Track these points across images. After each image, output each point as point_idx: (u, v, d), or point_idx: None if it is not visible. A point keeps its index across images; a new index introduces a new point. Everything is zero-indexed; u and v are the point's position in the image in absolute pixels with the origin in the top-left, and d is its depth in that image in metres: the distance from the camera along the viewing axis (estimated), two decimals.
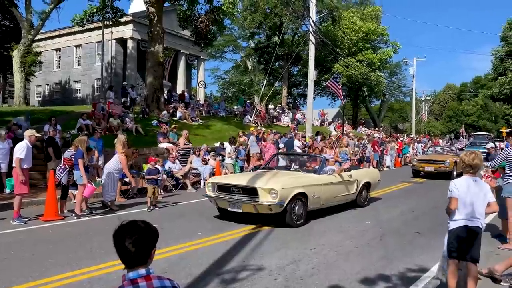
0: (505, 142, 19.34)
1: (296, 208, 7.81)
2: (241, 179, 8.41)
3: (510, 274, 4.79)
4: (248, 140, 15.94)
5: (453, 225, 4.30)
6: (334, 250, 6.30)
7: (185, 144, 14.82)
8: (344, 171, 9.59)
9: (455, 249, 4.27)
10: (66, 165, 8.59)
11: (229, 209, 7.93)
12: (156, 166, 9.83)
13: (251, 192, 7.74)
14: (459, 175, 14.73)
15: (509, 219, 6.48)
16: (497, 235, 7.29)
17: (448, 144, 37.53)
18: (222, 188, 8.25)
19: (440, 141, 37.76)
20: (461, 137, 40.56)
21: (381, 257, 5.99)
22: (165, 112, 16.74)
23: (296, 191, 7.75)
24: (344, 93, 29.75)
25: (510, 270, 4.81)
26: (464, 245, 4.22)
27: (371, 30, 38.75)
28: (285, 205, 7.50)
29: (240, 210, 7.76)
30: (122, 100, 20.96)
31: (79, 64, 31.37)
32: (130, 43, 28.56)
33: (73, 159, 8.50)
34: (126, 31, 28.30)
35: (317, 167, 9.22)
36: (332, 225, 8.13)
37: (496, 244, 6.65)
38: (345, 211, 9.53)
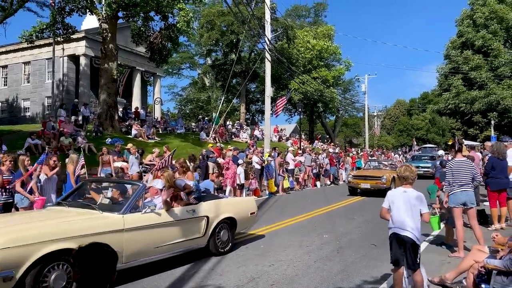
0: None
1: (52, 277, 4.58)
2: None
3: (461, 282, 4.98)
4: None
5: (389, 232, 4.59)
6: (293, 266, 6.31)
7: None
8: (186, 205, 6.57)
9: (393, 255, 4.54)
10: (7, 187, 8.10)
11: None
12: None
13: None
14: None
15: (457, 227, 6.78)
16: (444, 243, 7.59)
17: (401, 156, 39.05)
18: None
19: (393, 154, 39.20)
20: (412, 150, 42.34)
21: (340, 270, 6.06)
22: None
23: (49, 248, 4.53)
24: (300, 109, 30.48)
25: (460, 277, 5.00)
26: (397, 252, 4.48)
27: (324, 49, 40.01)
28: (18, 276, 4.33)
29: None
30: (74, 118, 20.27)
31: (28, 82, 30.05)
32: (83, 60, 27.78)
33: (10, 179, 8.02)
34: (79, 47, 27.55)
35: (126, 201, 5.86)
36: (291, 240, 8.14)
37: (447, 253, 6.92)
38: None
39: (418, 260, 4.46)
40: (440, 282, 5.12)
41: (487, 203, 11.34)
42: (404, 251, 4.43)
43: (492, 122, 37.91)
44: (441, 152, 13.72)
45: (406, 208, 4.45)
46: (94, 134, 18.59)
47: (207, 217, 6.69)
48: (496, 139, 28.86)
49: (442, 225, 7.87)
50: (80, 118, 20.76)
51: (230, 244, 7.18)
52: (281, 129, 37.80)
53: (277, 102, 25.80)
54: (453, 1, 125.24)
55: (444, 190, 7.20)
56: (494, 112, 36.54)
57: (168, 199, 6.27)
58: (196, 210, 6.57)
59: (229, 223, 7.22)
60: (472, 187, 6.91)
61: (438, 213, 7.67)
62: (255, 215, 8.05)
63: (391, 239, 4.56)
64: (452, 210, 6.91)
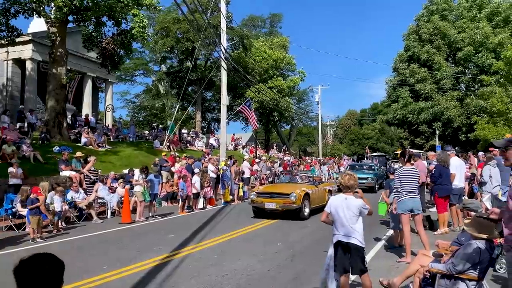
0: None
1: None
2: None
3: (408, 286, 5.15)
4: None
5: (333, 240, 4.68)
6: (247, 275, 6.28)
7: (90, 171, 13.97)
8: None
9: (337, 263, 4.58)
10: None
11: None
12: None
13: None
14: (314, 212, 14.06)
15: (405, 234, 7.04)
16: (395, 247, 7.90)
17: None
18: None
19: (345, 162, 40.27)
20: (365, 158, 43.79)
21: (292, 278, 6.10)
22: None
23: None
24: (256, 118, 30.64)
25: (407, 281, 5.18)
26: (343, 259, 4.54)
27: (280, 59, 40.66)
28: None
29: None
30: (18, 125, 19.21)
31: None
32: (29, 64, 26.45)
33: None
34: (25, 51, 26.20)
35: None
36: (245, 249, 8.11)
37: (396, 258, 7.15)
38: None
39: (365, 264, 4.58)
40: (387, 286, 5.28)
41: (432, 209, 11.91)
42: (349, 257, 4.50)
43: (437, 132, 39.95)
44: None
45: (349, 215, 4.55)
46: (40, 142, 17.70)
47: None
48: (440, 148, 30.43)
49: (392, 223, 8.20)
50: (25, 125, 19.70)
51: None
52: (237, 138, 37.82)
53: (246, 113, 24.97)
54: (401, 17, 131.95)
55: (393, 196, 7.51)
56: (439, 122, 38.55)
57: None
58: None
59: None
60: (418, 194, 7.24)
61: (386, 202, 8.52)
62: None
63: (335, 247, 4.61)
64: (400, 216, 7.19)
